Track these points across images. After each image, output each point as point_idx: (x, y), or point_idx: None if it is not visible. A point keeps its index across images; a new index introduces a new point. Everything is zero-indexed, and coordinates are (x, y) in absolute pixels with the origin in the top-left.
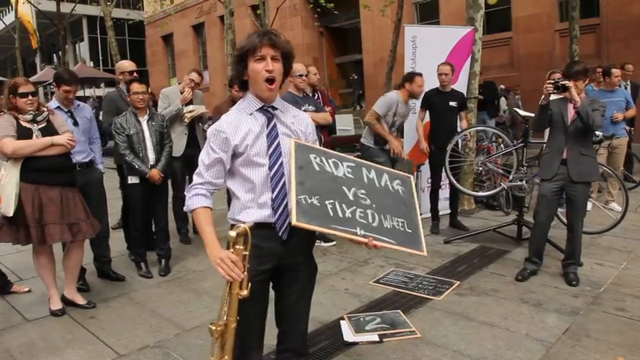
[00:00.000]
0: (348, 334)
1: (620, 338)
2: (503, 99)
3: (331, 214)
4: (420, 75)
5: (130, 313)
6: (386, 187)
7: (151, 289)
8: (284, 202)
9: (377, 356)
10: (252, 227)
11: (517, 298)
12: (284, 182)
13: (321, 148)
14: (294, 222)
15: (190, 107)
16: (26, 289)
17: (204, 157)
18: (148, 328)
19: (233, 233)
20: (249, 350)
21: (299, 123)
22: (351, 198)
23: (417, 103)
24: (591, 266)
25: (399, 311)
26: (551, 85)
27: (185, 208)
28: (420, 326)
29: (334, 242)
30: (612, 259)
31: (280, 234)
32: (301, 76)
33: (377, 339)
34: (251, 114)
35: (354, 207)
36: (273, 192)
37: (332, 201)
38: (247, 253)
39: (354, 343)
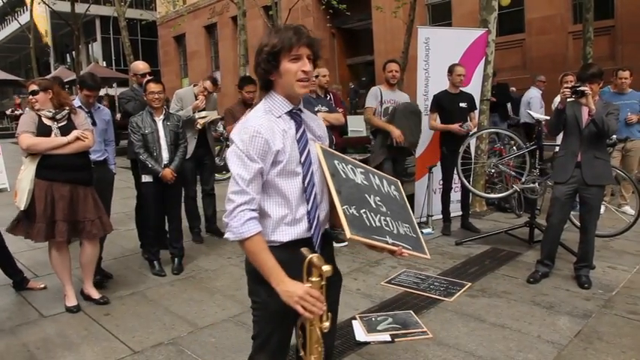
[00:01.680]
0: (360, 333)
1: (632, 341)
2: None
3: (367, 224)
4: (391, 62)
5: (144, 311)
6: (388, 193)
7: (164, 287)
8: (316, 214)
9: (388, 356)
10: (318, 256)
11: (529, 300)
12: (315, 192)
13: (337, 152)
14: (348, 235)
15: (203, 113)
16: (42, 286)
17: (241, 171)
18: (162, 326)
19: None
20: None
21: (319, 127)
22: (374, 206)
23: (428, 105)
24: (603, 269)
25: (411, 312)
26: (568, 91)
27: (233, 237)
28: (431, 327)
29: (346, 243)
30: (625, 262)
31: (316, 248)
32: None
33: (389, 339)
34: (279, 117)
35: (379, 215)
36: (308, 204)
37: (364, 210)
38: (324, 282)
39: (366, 343)
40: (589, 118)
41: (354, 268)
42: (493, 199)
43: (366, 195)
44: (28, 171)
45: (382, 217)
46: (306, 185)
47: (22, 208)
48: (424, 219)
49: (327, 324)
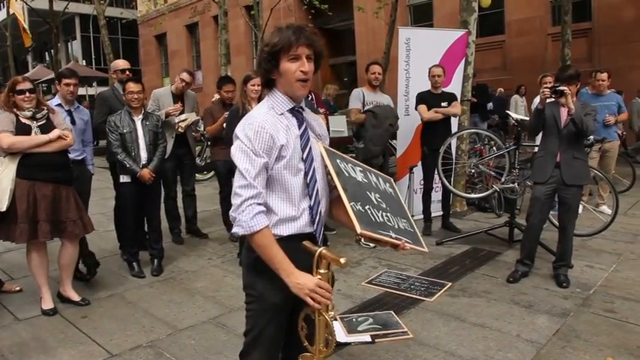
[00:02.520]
0: (341, 334)
1: (609, 339)
2: (518, 100)
3: (373, 220)
4: (374, 64)
5: (123, 313)
6: (385, 190)
7: (143, 289)
8: (319, 209)
9: (369, 357)
10: (327, 248)
11: (508, 299)
12: (317, 189)
13: (338, 152)
14: (359, 231)
15: (183, 116)
16: (17, 289)
17: (246, 165)
18: (141, 328)
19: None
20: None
21: (319, 126)
22: (375, 202)
23: (409, 105)
24: (582, 268)
25: (392, 312)
26: (548, 90)
27: (242, 231)
28: (412, 327)
29: (327, 243)
30: (602, 261)
31: (319, 243)
32: None
33: (369, 339)
34: (282, 114)
35: (381, 211)
36: (311, 199)
37: (368, 206)
38: (331, 273)
39: (347, 344)
40: (568, 118)
41: (335, 269)
42: (473, 199)
43: (368, 192)
44: (8, 170)
45: (384, 213)
46: (308, 181)
47: (2, 209)
48: None
49: (332, 313)
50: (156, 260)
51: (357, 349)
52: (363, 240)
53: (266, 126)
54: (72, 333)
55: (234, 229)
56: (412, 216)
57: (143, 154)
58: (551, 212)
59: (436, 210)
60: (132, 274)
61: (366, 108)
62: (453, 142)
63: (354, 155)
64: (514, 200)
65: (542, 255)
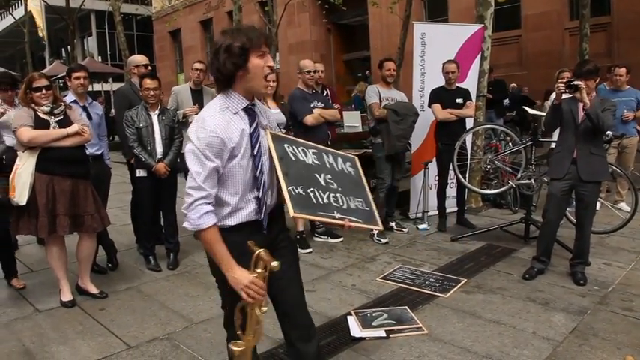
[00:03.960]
0: (355, 329)
1: (627, 338)
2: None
3: (314, 202)
4: (388, 60)
5: (140, 306)
6: (342, 171)
7: (159, 282)
8: (264, 200)
9: (384, 352)
10: (265, 251)
11: (524, 296)
12: (264, 181)
13: (288, 136)
14: (292, 214)
15: (196, 116)
16: (21, 285)
17: (197, 169)
18: (157, 321)
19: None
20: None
21: (267, 117)
22: (323, 184)
23: (424, 101)
24: (599, 266)
25: (406, 307)
26: (563, 85)
27: (191, 227)
28: (426, 323)
29: (342, 238)
30: (620, 259)
31: (265, 227)
32: (309, 72)
33: (384, 334)
34: (236, 113)
35: (328, 192)
36: (259, 190)
37: (312, 189)
38: (267, 274)
39: (361, 339)
40: (584, 113)
41: (350, 264)
42: (489, 195)
43: (316, 174)
44: (27, 165)
45: (332, 194)
46: (257, 174)
47: (22, 203)
48: (420, 215)
49: (265, 309)
50: (172, 254)
51: (371, 344)
52: (376, 236)
53: (217, 131)
54: (90, 324)
55: (184, 224)
56: (427, 212)
57: (159, 149)
58: (568, 209)
59: (451, 206)
60: (148, 267)
61: (383, 104)
62: (469, 137)
63: (369, 150)
64: (530, 197)
65: (559, 252)
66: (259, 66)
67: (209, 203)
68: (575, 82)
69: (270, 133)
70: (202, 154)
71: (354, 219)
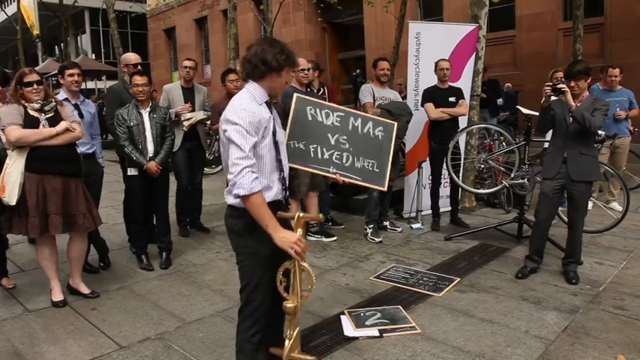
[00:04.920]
0: (349, 328)
1: (619, 336)
2: None
3: (312, 156)
4: (382, 60)
5: (131, 306)
6: (367, 134)
7: (152, 281)
8: (286, 179)
9: (377, 351)
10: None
11: (517, 295)
12: (285, 163)
13: (319, 100)
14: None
15: (188, 115)
16: (11, 285)
17: (242, 141)
18: (149, 321)
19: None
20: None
21: (277, 116)
22: (333, 143)
23: (419, 100)
24: (591, 265)
25: (400, 307)
26: (549, 88)
27: (243, 192)
28: (420, 322)
29: (335, 237)
30: (612, 258)
31: (285, 206)
32: (303, 70)
33: (377, 334)
34: (260, 104)
35: (333, 150)
36: (280, 172)
37: (315, 145)
38: (305, 233)
39: (355, 338)
40: (569, 115)
41: (343, 263)
42: (482, 194)
43: (329, 134)
44: (16, 164)
45: (337, 152)
46: (280, 157)
47: (12, 203)
48: (414, 214)
49: (306, 264)
50: (164, 253)
51: (364, 344)
52: (369, 235)
53: (255, 112)
54: (81, 325)
55: (236, 191)
56: (421, 211)
57: (150, 147)
58: (560, 208)
59: (445, 205)
60: (140, 266)
61: (377, 104)
62: (462, 137)
63: None
64: (523, 196)
65: (552, 251)
66: (286, 78)
67: (255, 171)
68: (560, 86)
69: (297, 96)
70: (245, 129)
71: (351, 176)
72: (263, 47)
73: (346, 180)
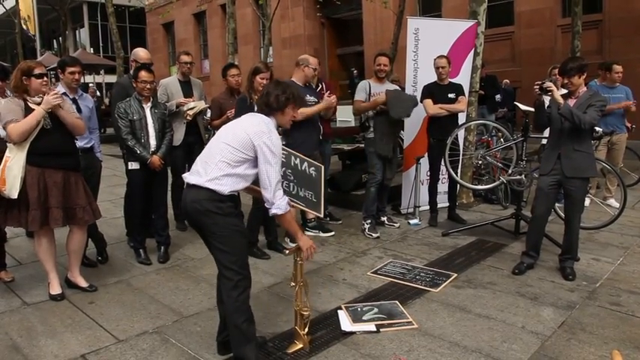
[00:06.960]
0: (346, 323)
1: (615, 332)
2: None
3: None
4: (381, 55)
5: (129, 299)
6: (304, 171)
7: (149, 275)
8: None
9: (374, 346)
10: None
11: (514, 291)
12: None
13: (288, 149)
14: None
15: (191, 104)
16: (9, 278)
17: (278, 168)
18: (147, 314)
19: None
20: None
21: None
22: (282, 174)
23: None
24: (588, 261)
25: (397, 302)
26: (537, 87)
27: (281, 212)
28: (416, 317)
29: (333, 233)
30: (609, 254)
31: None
32: (315, 69)
33: (374, 329)
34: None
35: (283, 180)
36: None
37: None
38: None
39: (352, 333)
40: (558, 113)
41: (341, 258)
42: (480, 190)
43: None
44: (17, 158)
45: (286, 182)
46: (282, 175)
47: (14, 197)
48: (411, 209)
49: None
50: (162, 247)
51: (361, 338)
52: (367, 230)
53: (279, 139)
54: (79, 318)
55: (273, 211)
56: (418, 207)
57: (152, 141)
58: (557, 205)
59: (442, 201)
60: (138, 260)
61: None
62: (461, 133)
63: (361, 145)
64: (521, 192)
65: (549, 247)
66: (291, 115)
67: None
68: (546, 85)
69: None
70: (277, 154)
71: (297, 202)
72: (268, 90)
73: (293, 205)
